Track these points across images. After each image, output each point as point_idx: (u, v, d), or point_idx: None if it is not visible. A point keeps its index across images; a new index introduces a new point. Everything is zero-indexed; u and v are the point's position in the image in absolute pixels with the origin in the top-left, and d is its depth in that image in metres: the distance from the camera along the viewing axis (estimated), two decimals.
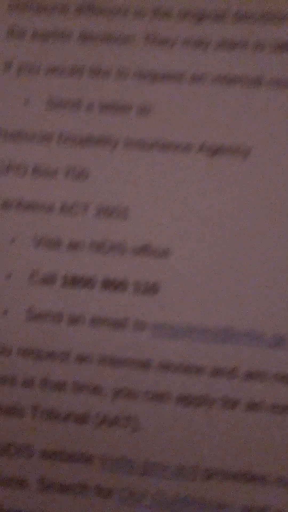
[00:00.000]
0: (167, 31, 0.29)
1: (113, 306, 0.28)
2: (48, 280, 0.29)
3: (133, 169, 0.28)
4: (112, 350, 0.28)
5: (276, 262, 0.28)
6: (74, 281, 0.28)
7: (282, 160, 0.28)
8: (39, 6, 0.29)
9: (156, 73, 0.29)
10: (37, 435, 0.28)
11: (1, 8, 0.30)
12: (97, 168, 0.29)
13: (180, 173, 0.28)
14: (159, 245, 0.28)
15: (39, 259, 0.29)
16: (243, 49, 0.28)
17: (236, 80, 0.28)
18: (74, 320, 0.28)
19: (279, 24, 0.28)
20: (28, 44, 0.29)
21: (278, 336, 0.27)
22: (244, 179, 0.28)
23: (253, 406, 0.27)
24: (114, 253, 0.28)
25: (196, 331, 0.28)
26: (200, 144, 0.28)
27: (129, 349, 0.28)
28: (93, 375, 0.28)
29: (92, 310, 0.28)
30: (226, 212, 0.28)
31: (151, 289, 0.28)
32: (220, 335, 0.28)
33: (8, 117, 0.29)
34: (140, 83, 0.29)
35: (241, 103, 0.28)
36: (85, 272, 0.28)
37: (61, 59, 0.29)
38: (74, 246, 0.28)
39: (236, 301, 0.28)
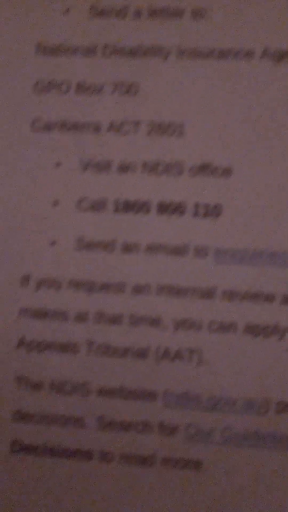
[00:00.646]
0: None
1: (171, 231, 0.27)
2: (98, 206, 0.27)
3: (188, 80, 0.27)
4: (171, 279, 0.27)
5: None
6: (127, 206, 0.27)
7: None
8: None
9: None
10: (93, 372, 0.27)
11: None
12: (148, 81, 0.27)
13: (242, 82, 0.26)
14: (220, 163, 0.27)
15: (87, 183, 0.27)
16: None
17: None
18: (129, 248, 0.27)
19: None
20: None
21: None
22: None
23: None
24: (170, 174, 0.27)
25: (264, 255, 0.26)
26: (263, 49, 0.26)
27: (190, 277, 0.27)
28: (152, 307, 0.27)
29: (148, 236, 0.27)
30: None
31: (213, 211, 0.27)
32: None
33: (47, 29, 0.28)
34: None
35: None
36: (138, 196, 0.27)
37: None
38: (125, 168, 0.27)
39: None
